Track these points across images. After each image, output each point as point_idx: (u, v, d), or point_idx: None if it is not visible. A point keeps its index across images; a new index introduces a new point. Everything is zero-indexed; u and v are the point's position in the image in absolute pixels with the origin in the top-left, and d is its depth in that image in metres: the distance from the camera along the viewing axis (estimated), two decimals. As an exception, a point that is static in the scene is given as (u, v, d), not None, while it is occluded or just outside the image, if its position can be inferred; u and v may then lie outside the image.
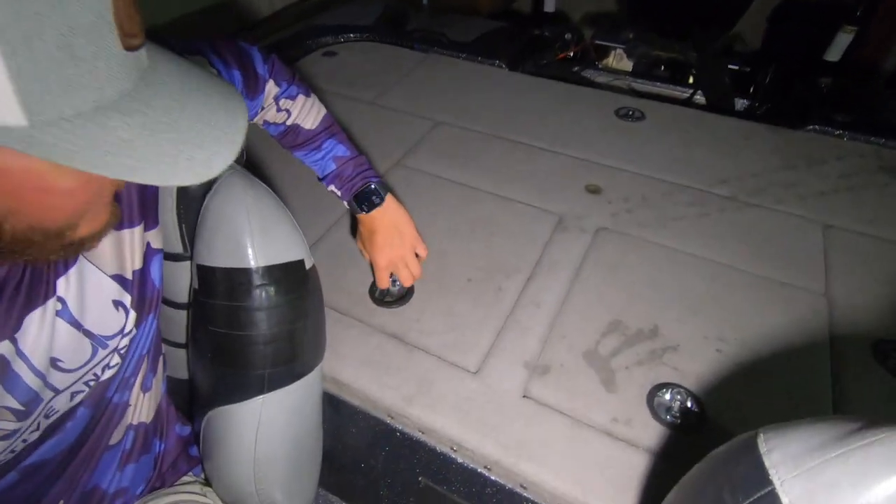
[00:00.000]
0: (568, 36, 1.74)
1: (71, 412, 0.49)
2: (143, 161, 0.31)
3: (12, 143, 0.28)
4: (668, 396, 0.69)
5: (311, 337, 0.63)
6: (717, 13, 1.67)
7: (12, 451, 0.45)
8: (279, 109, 0.66)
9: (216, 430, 0.61)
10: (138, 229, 0.50)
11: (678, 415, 0.67)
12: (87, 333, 0.46)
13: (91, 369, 0.48)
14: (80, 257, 0.46)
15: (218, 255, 0.55)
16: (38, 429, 0.47)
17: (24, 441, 0.46)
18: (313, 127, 0.69)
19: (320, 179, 0.74)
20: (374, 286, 0.84)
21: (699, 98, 1.57)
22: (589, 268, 0.87)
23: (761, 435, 0.41)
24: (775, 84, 1.55)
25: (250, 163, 0.76)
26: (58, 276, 0.44)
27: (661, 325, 0.78)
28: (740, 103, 1.57)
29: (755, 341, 0.76)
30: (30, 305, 0.42)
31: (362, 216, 0.74)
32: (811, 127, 1.20)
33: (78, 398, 0.48)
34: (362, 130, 1.19)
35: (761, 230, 0.95)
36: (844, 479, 0.34)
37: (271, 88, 0.65)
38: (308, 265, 0.61)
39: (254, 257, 0.55)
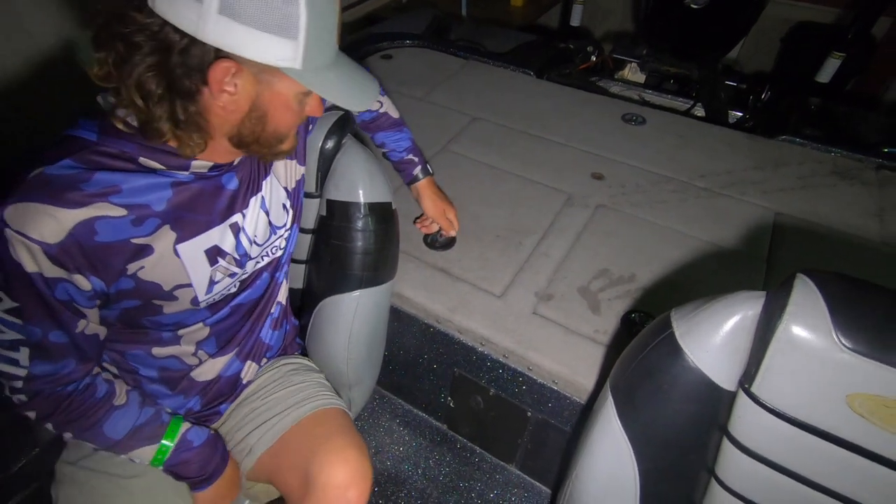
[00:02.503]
0: (590, 49, 2.01)
1: (258, 273, 0.77)
2: (341, 95, 0.59)
3: (291, 75, 0.54)
4: (636, 319, 0.97)
5: (391, 256, 0.93)
6: (718, 37, 1.93)
7: (230, 290, 0.74)
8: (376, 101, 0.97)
9: (326, 314, 0.91)
10: (295, 162, 0.79)
11: (641, 327, 0.95)
12: (269, 222, 0.75)
13: (270, 246, 0.77)
14: (270, 169, 0.74)
15: (341, 192, 0.85)
16: (241, 278, 0.74)
17: (234, 286, 0.74)
18: (396, 116, 0.99)
19: (394, 152, 1.02)
20: (426, 236, 1.13)
21: (698, 109, 1.83)
22: (588, 233, 1.15)
23: (673, 309, 0.69)
24: (767, 101, 1.80)
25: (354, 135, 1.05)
26: (263, 177, 0.73)
27: (638, 273, 1.06)
28: (734, 116, 1.82)
29: (707, 289, 1.03)
30: (252, 193, 0.70)
31: (421, 182, 1.03)
32: (783, 137, 1.46)
33: (262, 263, 0.77)
34: (414, 121, 1.48)
35: (726, 214, 1.21)
36: (704, 319, 0.61)
37: None
38: (394, 207, 0.90)
39: (363, 196, 0.85)
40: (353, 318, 0.90)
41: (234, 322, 0.77)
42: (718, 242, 1.14)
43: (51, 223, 0.54)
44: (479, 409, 1.04)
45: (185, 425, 0.73)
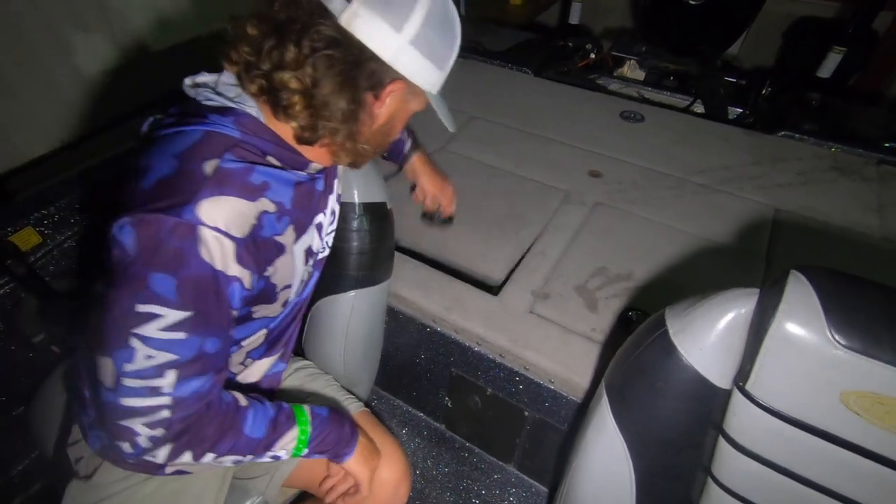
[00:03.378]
0: (589, 46, 2.00)
1: (312, 275, 0.75)
2: (446, 115, 0.67)
3: (429, 98, 0.64)
4: (634, 317, 0.97)
5: (386, 255, 0.93)
6: (717, 34, 1.91)
7: (304, 290, 0.73)
8: None
9: (322, 315, 0.91)
10: None
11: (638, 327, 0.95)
12: (332, 221, 0.76)
13: (328, 244, 0.77)
14: (336, 170, 0.75)
15: (335, 193, 0.84)
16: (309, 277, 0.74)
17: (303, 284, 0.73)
18: None
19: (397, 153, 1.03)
20: (424, 213, 1.11)
21: (698, 106, 1.82)
22: (586, 231, 1.15)
23: (668, 307, 0.68)
24: (768, 96, 1.79)
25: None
26: (333, 177, 0.74)
27: (635, 271, 1.05)
28: (734, 112, 1.81)
29: (705, 287, 1.02)
30: (329, 192, 0.72)
31: (415, 158, 1.03)
32: (782, 133, 1.45)
33: (320, 261, 0.76)
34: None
35: (725, 210, 1.21)
36: (698, 317, 0.61)
37: None
38: (388, 206, 0.90)
39: (357, 196, 0.84)
40: (349, 318, 0.90)
41: (286, 325, 0.77)
42: (716, 239, 1.13)
43: (241, 218, 0.54)
44: (477, 408, 1.04)
45: (304, 406, 0.70)
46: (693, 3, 1.76)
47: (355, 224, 0.85)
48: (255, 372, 0.77)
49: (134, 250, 0.51)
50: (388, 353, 1.11)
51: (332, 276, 0.88)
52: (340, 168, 0.83)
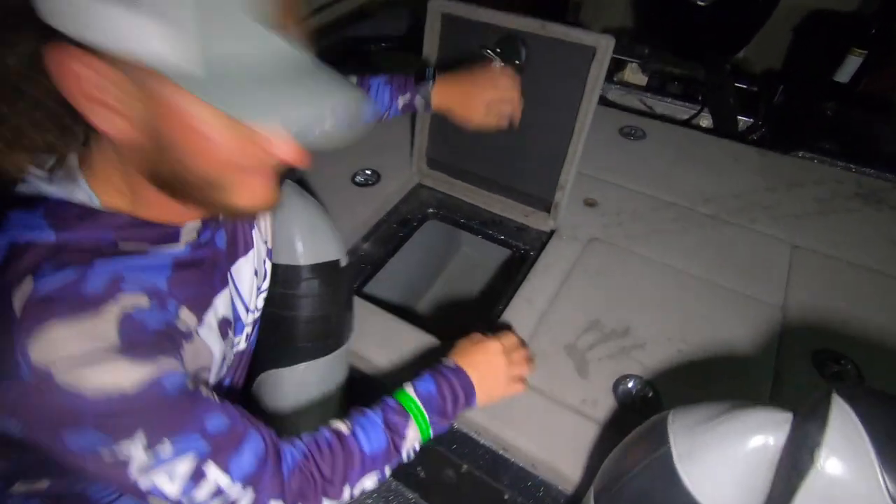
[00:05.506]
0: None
1: (239, 342, 0.65)
2: (288, 116, 0.38)
3: (186, 86, 0.36)
4: (630, 385, 0.84)
5: (342, 320, 0.80)
6: (727, 36, 1.76)
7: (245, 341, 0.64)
8: None
9: (267, 388, 0.79)
10: None
11: (637, 400, 0.82)
12: (257, 285, 0.64)
13: (257, 307, 0.66)
14: (254, 222, 0.62)
15: (279, 254, 0.71)
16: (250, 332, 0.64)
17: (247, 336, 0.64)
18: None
19: (390, 109, 0.89)
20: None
21: (705, 115, 1.68)
22: (578, 273, 1.02)
23: (671, 414, 0.55)
24: (781, 105, 1.64)
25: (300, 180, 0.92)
26: (250, 231, 0.61)
27: (633, 326, 0.92)
28: (744, 122, 1.67)
29: (712, 344, 0.89)
30: (245, 248, 0.60)
31: (438, 91, 0.88)
32: (798, 153, 1.30)
33: (249, 332, 0.66)
34: (383, 127, 1.34)
35: (735, 247, 1.07)
36: (712, 441, 0.48)
37: None
38: (343, 263, 0.77)
39: (304, 257, 0.71)
40: (297, 394, 0.77)
41: (241, 369, 0.67)
42: (725, 284, 1.00)
43: (94, 337, 0.40)
44: (452, 483, 0.92)
45: (404, 385, 0.65)
46: (701, 3, 1.61)
47: (303, 288, 0.72)
48: None
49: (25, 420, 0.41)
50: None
51: (279, 346, 0.76)
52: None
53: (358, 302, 0.94)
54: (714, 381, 0.84)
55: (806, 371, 0.86)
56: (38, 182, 0.44)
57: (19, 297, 0.39)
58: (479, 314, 1.26)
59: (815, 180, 1.23)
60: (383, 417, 0.61)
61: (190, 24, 0.34)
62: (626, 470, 0.56)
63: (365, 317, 0.93)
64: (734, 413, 0.49)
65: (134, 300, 0.43)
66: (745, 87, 1.74)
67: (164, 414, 0.43)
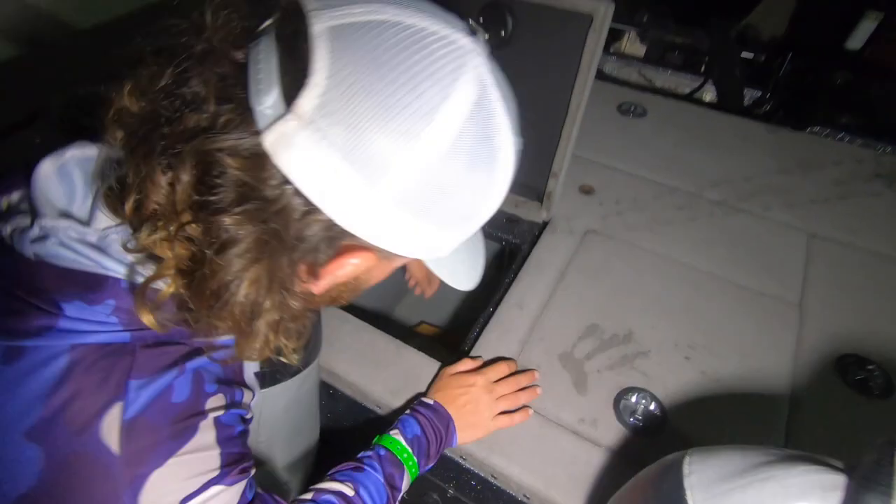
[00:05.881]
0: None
1: None
2: (459, 279, 0.49)
3: (429, 265, 0.46)
4: (633, 400, 0.75)
5: (311, 337, 0.69)
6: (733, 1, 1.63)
7: None
8: None
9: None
10: None
11: (641, 418, 0.73)
12: None
13: None
14: None
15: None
16: None
17: None
18: None
19: None
20: None
21: (709, 87, 1.56)
22: (574, 270, 0.92)
23: (687, 458, 0.46)
24: (790, 75, 1.52)
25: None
26: None
27: (636, 330, 0.83)
28: (750, 96, 1.55)
29: (723, 350, 0.80)
30: None
31: None
32: (812, 129, 1.19)
33: None
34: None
35: (746, 237, 0.97)
36: (738, 497, 0.39)
37: None
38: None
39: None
40: (258, 423, 0.68)
41: None
42: (735, 279, 0.90)
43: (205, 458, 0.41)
44: (438, 507, 0.84)
45: (392, 433, 0.64)
46: (705, -36, 1.47)
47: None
48: None
49: None
50: (331, 435, 0.89)
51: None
52: None
53: (327, 311, 0.84)
54: (726, 394, 0.75)
55: (828, 378, 0.78)
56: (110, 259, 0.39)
57: (114, 425, 0.37)
58: (468, 314, 1.17)
59: (833, 160, 1.12)
60: (383, 472, 0.59)
61: (470, 231, 0.43)
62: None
63: (335, 327, 0.83)
64: (770, 472, 0.39)
65: (217, 401, 0.43)
66: (751, 56, 1.61)
67: None
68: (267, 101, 0.34)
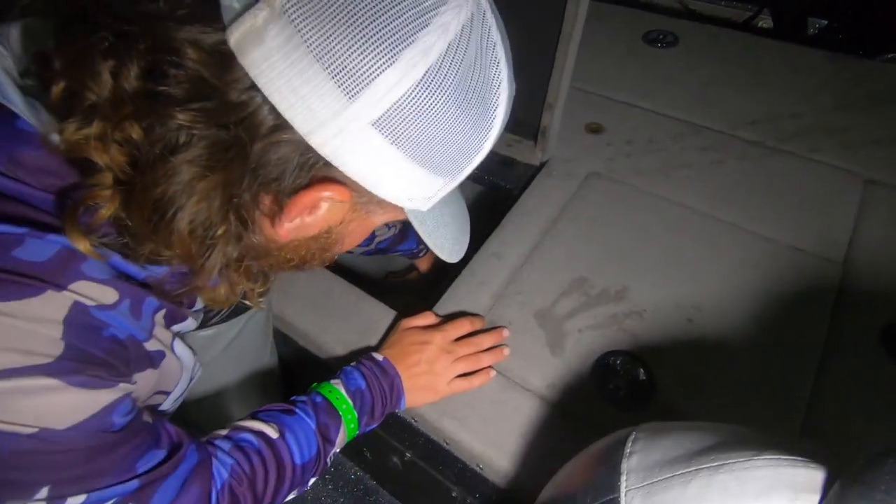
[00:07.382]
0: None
1: None
2: (444, 245, 0.45)
3: (411, 216, 0.40)
4: (617, 364, 0.64)
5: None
6: None
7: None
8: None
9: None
10: None
11: (622, 387, 0.62)
12: None
13: None
14: None
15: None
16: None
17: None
18: None
19: (413, 251, 0.89)
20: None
21: (765, 18, 1.33)
22: (566, 219, 0.80)
23: (633, 435, 0.36)
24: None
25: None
26: None
27: (632, 286, 0.71)
28: (815, 25, 1.31)
29: (735, 313, 0.67)
30: None
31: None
32: (887, 56, 0.98)
33: None
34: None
35: (784, 183, 0.81)
36: (677, 489, 0.29)
37: None
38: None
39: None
40: (213, 368, 0.62)
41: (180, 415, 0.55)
42: (764, 231, 0.75)
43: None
44: (399, 470, 0.77)
45: (333, 381, 0.57)
46: None
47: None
48: None
49: None
50: (290, 382, 0.84)
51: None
52: None
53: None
54: (734, 366, 0.63)
55: (870, 351, 0.63)
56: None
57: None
58: (443, 270, 1.07)
59: (908, 92, 0.91)
60: (316, 420, 0.53)
61: (454, 181, 0.39)
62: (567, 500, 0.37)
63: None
64: (726, 458, 0.28)
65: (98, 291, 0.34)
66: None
67: (94, 458, 0.34)
68: None
